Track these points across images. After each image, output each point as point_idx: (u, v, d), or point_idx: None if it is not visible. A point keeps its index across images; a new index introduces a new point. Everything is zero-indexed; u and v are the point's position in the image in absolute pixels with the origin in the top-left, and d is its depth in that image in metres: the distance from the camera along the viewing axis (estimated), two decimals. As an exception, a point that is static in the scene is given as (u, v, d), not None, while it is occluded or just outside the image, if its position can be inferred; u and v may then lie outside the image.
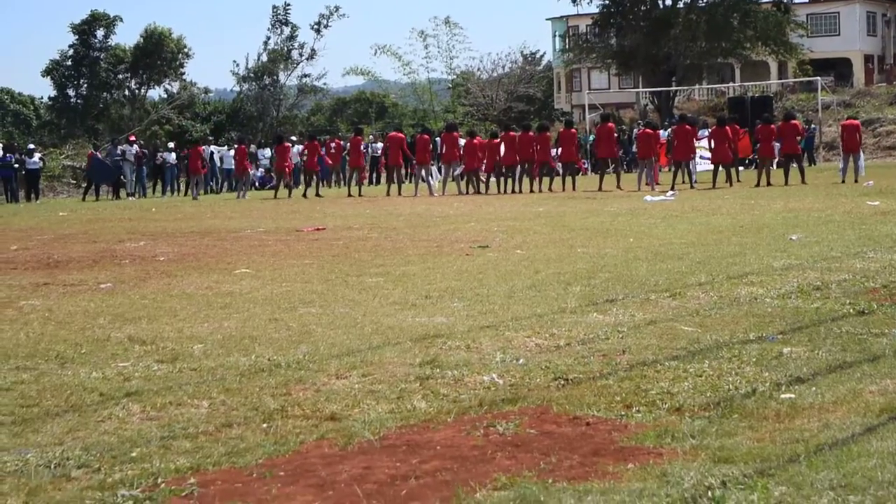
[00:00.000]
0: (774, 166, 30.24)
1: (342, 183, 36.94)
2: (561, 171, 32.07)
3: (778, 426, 5.48)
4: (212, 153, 42.38)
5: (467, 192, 31.19)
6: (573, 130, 32.10)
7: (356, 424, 5.79)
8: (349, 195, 32.11)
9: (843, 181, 27.76)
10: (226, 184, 42.00)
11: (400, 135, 34.53)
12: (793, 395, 6.01)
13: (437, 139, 36.13)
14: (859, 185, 26.23)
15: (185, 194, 39.95)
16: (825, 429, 5.38)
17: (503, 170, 31.37)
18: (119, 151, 39.94)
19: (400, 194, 31.65)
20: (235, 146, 38.16)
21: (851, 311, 8.53)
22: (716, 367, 6.76)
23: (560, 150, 31.62)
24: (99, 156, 40.18)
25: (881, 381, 6.27)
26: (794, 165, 28.99)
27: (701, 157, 31.57)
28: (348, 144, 35.29)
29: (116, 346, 8.12)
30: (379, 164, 40.63)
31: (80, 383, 6.91)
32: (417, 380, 6.72)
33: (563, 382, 6.55)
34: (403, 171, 34.93)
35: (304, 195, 32.70)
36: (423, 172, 32.46)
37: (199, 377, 7.00)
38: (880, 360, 6.79)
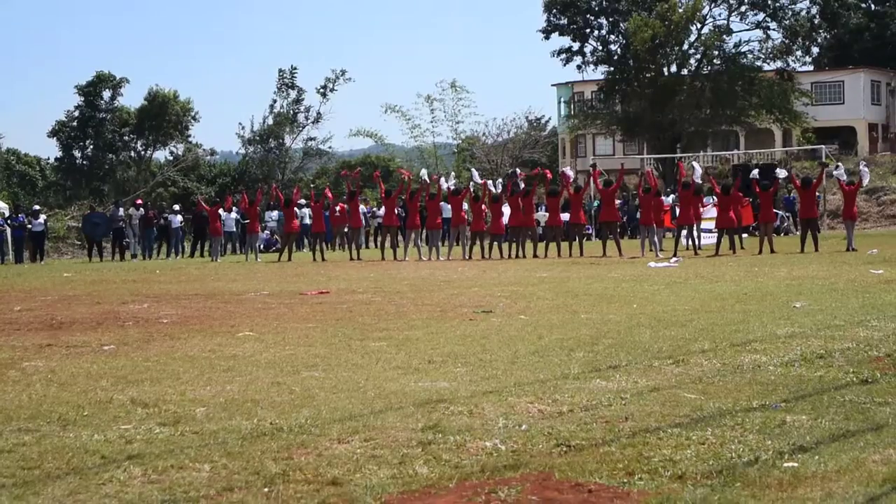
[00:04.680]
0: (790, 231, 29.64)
1: (345, 246, 36.84)
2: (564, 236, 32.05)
3: (781, 495, 5.46)
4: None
5: (469, 257, 31.18)
6: (580, 194, 32.09)
7: (358, 489, 5.77)
8: (350, 259, 32.30)
9: (849, 249, 27.67)
10: (229, 246, 41.97)
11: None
12: (796, 464, 5.99)
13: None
14: (861, 252, 26.17)
15: (192, 256, 39.98)
16: (828, 498, 5.37)
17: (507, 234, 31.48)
18: (121, 214, 40.03)
19: (395, 258, 31.66)
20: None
21: (855, 379, 8.51)
22: (718, 434, 6.74)
23: (570, 213, 31.70)
24: (98, 212, 40.44)
25: (884, 450, 6.25)
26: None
27: (704, 231, 31.32)
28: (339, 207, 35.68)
29: (119, 409, 8.11)
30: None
31: (82, 446, 6.90)
32: (419, 445, 6.70)
33: (565, 449, 6.52)
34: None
35: (314, 259, 32.89)
36: (413, 236, 32.31)
37: (200, 440, 6.98)
38: (883, 429, 6.77)
